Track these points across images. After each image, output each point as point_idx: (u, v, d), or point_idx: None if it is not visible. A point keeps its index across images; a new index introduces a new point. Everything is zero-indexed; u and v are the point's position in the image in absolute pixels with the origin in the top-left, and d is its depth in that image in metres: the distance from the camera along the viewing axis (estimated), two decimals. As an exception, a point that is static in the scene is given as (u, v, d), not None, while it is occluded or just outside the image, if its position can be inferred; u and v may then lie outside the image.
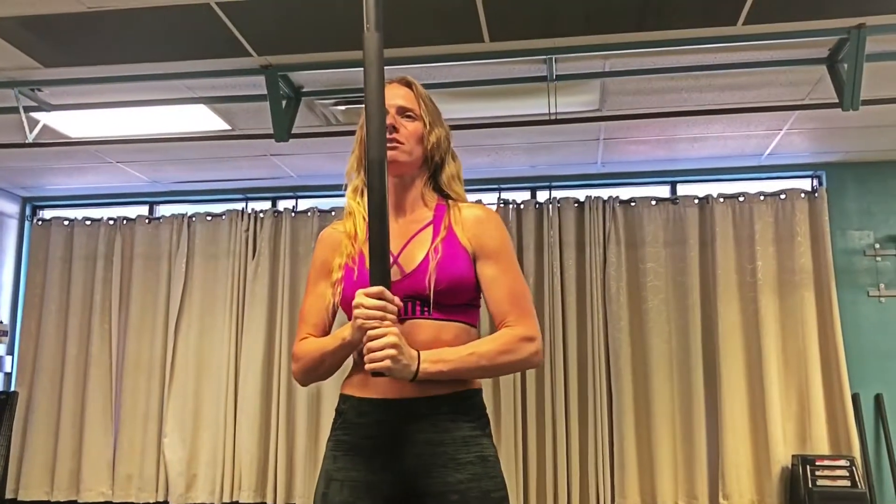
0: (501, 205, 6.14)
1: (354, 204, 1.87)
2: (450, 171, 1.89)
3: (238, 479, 6.05)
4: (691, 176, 6.09)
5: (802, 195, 5.85)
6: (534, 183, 6.25)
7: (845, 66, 3.89)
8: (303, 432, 6.02)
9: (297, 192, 6.50)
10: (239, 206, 6.53)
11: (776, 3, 3.51)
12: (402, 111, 1.82)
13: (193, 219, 6.52)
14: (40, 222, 6.77)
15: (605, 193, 6.05)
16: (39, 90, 4.40)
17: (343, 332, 1.70)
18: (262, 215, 6.45)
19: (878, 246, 5.78)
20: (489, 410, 1.85)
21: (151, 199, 6.73)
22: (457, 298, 1.73)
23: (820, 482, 5.28)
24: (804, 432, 5.55)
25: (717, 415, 5.63)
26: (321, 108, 4.72)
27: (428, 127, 1.85)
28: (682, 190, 6.14)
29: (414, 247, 1.75)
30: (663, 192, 6.17)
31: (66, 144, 5.06)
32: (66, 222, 6.69)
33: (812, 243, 5.78)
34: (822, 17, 3.66)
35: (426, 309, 1.70)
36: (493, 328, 1.74)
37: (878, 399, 5.57)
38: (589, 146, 5.52)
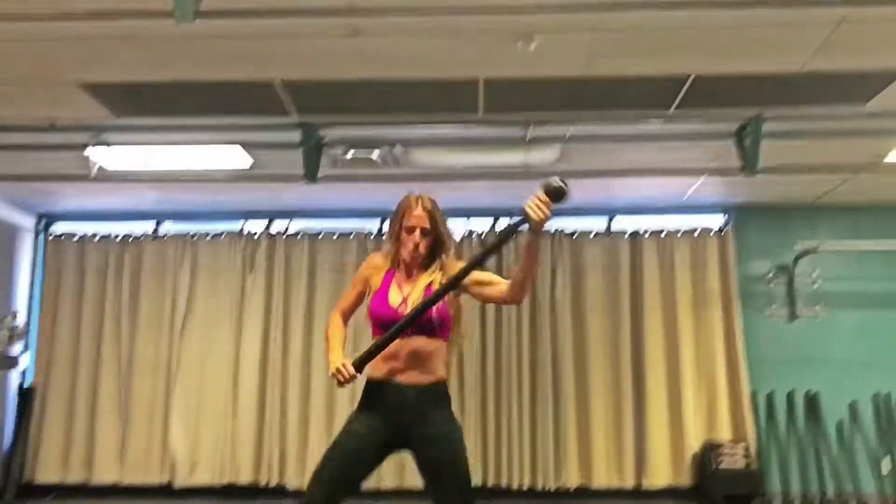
0: (467, 234, 7.30)
1: (381, 262, 2.83)
2: (447, 252, 2.84)
3: (236, 463, 6.96)
4: (625, 213, 7.35)
5: (713, 231, 7.21)
6: (495, 213, 7.39)
7: (748, 141, 5.17)
8: (294, 422, 6.99)
9: (291, 215, 7.46)
10: (237, 225, 7.46)
11: (699, 95, 4.75)
12: (423, 231, 2.77)
13: (195, 238, 7.43)
14: (52, 237, 7.54)
15: (554, 225, 7.27)
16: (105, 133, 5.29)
17: (334, 355, 2.75)
18: (257, 236, 7.41)
19: (772, 274, 7.16)
20: (456, 402, 2.84)
21: (156, 217, 7.56)
22: (438, 326, 2.71)
23: (722, 464, 6.57)
24: (712, 423, 6.87)
25: (643, 409, 6.90)
26: (332, 153, 5.73)
27: (442, 237, 2.79)
28: (618, 223, 7.39)
29: (417, 295, 2.74)
30: (602, 224, 7.40)
31: (121, 180, 5.93)
32: (77, 237, 7.49)
33: (721, 270, 7.13)
34: (731, 106, 4.93)
35: (420, 333, 2.68)
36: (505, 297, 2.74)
37: (769, 396, 6.93)
38: (545, 187, 6.69)
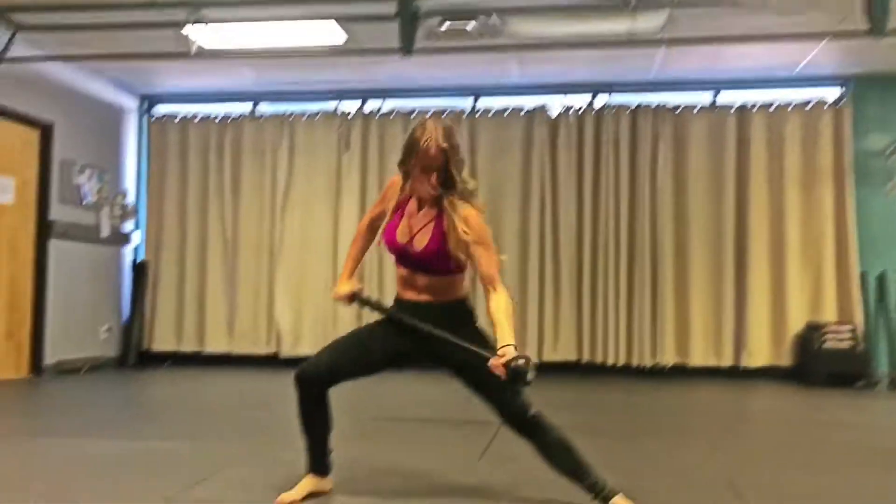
0: (564, 109, 7.11)
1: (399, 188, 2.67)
2: (456, 189, 2.61)
3: (338, 335, 7.21)
4: (732, 86, 6.99)
5: (828, 104, 6.79)
6: (593, 89, 7.16)
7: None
8: (391, 295, 7.14)
9: (384, 94, 7.42)
10: (332, 105, 7.47)
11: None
12: (438, 170, 2.53)
13: (291, 118, 7.50)
14: (157, 117, 7.75)
15: (656, 99, 6.99)
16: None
17: (341, 280, 2.80)
18: (352, 115, 7.43)
19: (891, 149, 6.73)
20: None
21: (254, 97, 7.64)
22: (440, 264, 2.60)
23: (827, 344, 6.43)
24: (816, 303, 6.69)
25: (744, 287, 6.76)
26: (428, 24, 5.60)
27: (453, 176, 2.55)
28: (724, 98, 7.05)
29: (422, 234, 2.61)
30: (707, 99, 7.08)
31: (218, 57, 5.97)
32: (179, 118, 7.68)
33: (834, 145, 6.76)
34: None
35: (425, 270, 2.61)
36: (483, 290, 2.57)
37: (881, 277, 6.66)
38: (647, 59, 6.42)
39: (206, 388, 6.10)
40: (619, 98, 7.11)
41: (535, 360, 2.33)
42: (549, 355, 6.96)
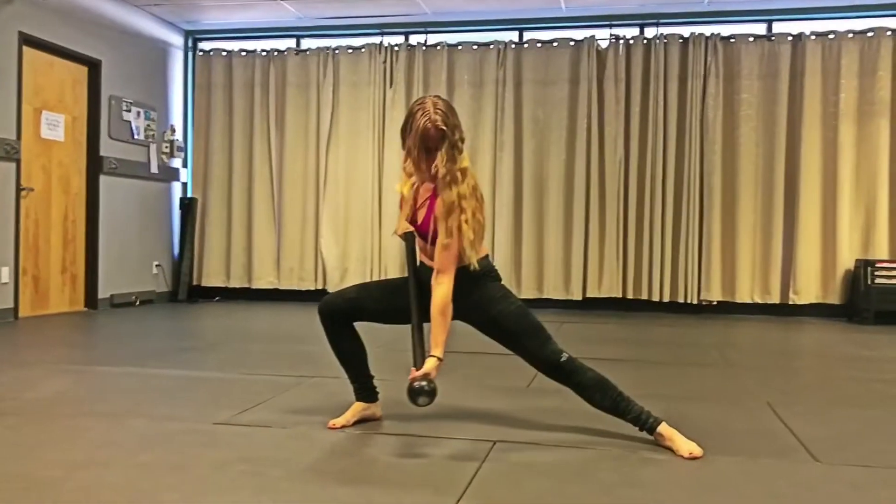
0: (612, 40, 6.94)
1: (406, 191, 2.65)
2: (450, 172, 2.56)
3: (384, 272, 7.31)
4: (787, 16, 6.75)
5: (888, 33, 6.52)
6: (643, 21, 6.97)
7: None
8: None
9: (428, 27, 7.32)
10: (376, 39, 7.41)
11: None
12: (439, 149, 2.47)
13: (336, 52, 7.46)
14: (201, 53, 7.77)
15: (707, 30, 6.79)
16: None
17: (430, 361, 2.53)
18: (397, 48, 7.35)
19: (953, 79, 6.47)
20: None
21: (297, 33, 7.61)
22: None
23: (878, 280, 6.31)
24: (868, 240, 6.55)
25: (794, 224, 6.64)
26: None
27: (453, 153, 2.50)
28: (778, 28, 6.82)
29: (423, 209, 2.63)
30: (761, 29, 6.85)
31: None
32: (224, 53, 7.69)
33: (893, 78, 6.50)
34: None
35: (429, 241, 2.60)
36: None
37: (936, 213, 6.49)
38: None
39: (255, 322, 6.24)
40: (668, 30, 6.91)
41: (432, 387, 2.34)
42: (593, 292, 6.96)
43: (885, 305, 6.25)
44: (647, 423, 2.49)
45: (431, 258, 2.59)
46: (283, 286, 7.55)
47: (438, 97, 2.59)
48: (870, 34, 6.55)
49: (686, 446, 2.40)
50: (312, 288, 7.46)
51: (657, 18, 6.90)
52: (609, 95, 6.96)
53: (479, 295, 2.60)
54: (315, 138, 7.48)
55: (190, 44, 7.83)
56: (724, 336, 5.72)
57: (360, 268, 7.36)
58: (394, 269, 7.25)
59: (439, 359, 2.42)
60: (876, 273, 6.33)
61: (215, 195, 7.69)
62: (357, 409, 2.76)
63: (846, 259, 6.57)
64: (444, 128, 2.45)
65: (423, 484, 2.12)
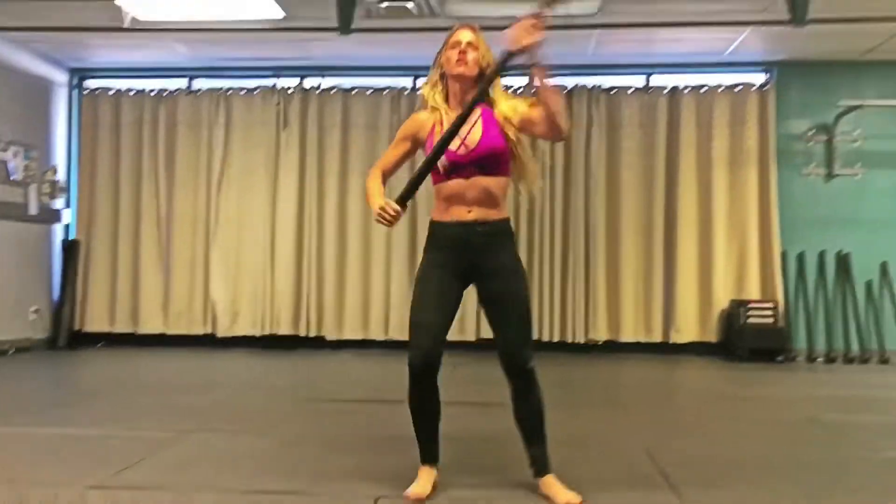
0: (503, 89, 7.16)
1: (439, 102, 2.67)
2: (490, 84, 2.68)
3: (276, 315, 7.22)
4: (664, 69, 7.15)
5: (754, 88, 7.01)
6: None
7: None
8: (331, 275, 7.20)
9: (322, 71, 7.37)
10: (270, 82, 7.40)
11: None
12: (469, 45, 2.63)
13: (229, 92, 7.41)
14: (88, 91, 7.56)
15: (590, 82, 7.11)
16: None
17: (375, 199, 2.65)
18: (291, 91, 7.37)
19: (812, 132, 7.00)
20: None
21: (189, 73, 7.51)
22: (497, 160, 2.66)
23: (751, 320, 6.69)
24: (741, 281, 6.95)
25: (673, 266, 6.98)
26: (366, 2, 5.59)
27: (483, 55, 2.65)
28: (656, 81, 7.21)
29: (472, 133, 2.61)
30: (640, 82, 7.23)
31: (151, 31, 5.85)
32: (111, 92, 7.51)
33: (759, 128, 6.99)
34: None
35: (482, 171, 2.61)
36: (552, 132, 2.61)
37: (800, 256, 6.95)
38: (583, 41, 6.51)
39: (141, 369, 6.05)
40: (555, 80, 7.18)
41: None
42: (487, 332, 7.06)
43: (758, 343, 6.63)
44: (541, 468, 2.58)
45: (475, 202, 2.58)
46: (171, 331, 7.33)
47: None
48: (738, 89, 7.02)
49: (564, 497, 2.49)
50: (201, 332, 7.28)
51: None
52: (499, 141, 7.16)
53: (505, 258, 2.63)
54: (206, 179, 7.37)
55: (75, 82, 7.60)
56: (610, 375, 5.93)
57: (251, 312, 7.25)
58: (286, 313, 7.18)
59: None
60: (749, 312, 6.71)
61: (100, 237, 7.44)
62: (430, 473, 2.64)
63: (721, 299, 6.94)
64: (475, 31, 2.61)
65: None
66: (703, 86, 7.07)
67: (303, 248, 7.28)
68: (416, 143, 2.75)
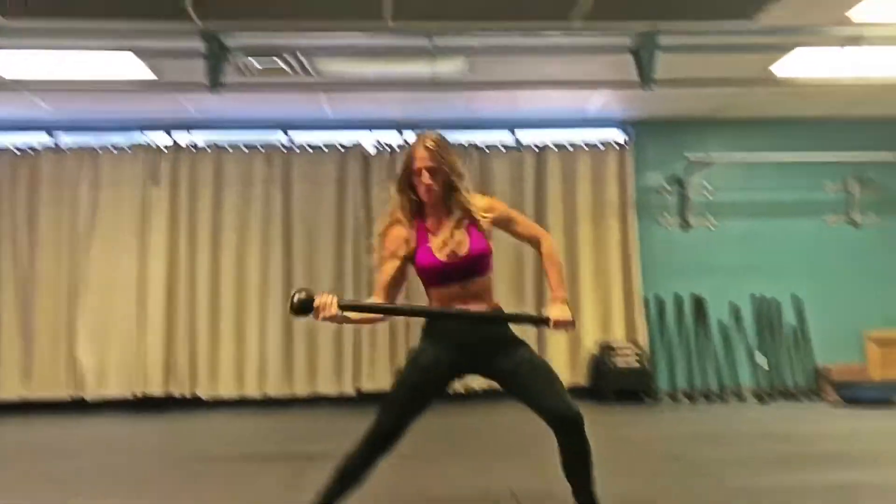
0: (378, 148, 7.36)
1: (403, 216, 2.71)
2: (462, 186, 2.75)
3: (147, 375, 6.99)
4: (530, 126, 7.53)
5: (614, 144, 7.49)
6: (401, 126, 7.45)
7: (644, 54, 5.37)
8: (204, 334, 7.06)
9: (192, 127, 7.32)
10: (139, 138, 7.28)
11: (600, 6, 4.89)
12: (430, 170, 2.63)
13: (98, 150, 7.23)
14: (-62, 147, 7.20)
15: (463, 138, 7.39)
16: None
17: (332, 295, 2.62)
18: (163, 148, 7.27)
19: (666, 185, 7.53)
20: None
21: (54, 128, 7.27)
22: (486, 263, 2.77)
23: (617, 363, 7.01)
24: (607, 325, 7.30)
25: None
26: (240, 61, 5.64)
27: (449, 175, 2.67)
28: (523, 136, 7.57)
29: (458, 242, 2.68)
30: (508, 138, 7.57)
31: (11, 89, 5.71)
32: (-35, 148, 7.19)
33: (619, 183, 7.45)
34: (628, 19, 5.11)
35: (473, 274, 2.70)
36: (532, 248, 2.87)
37: (660, 301, 7.39)
38: (453, 99, 6.78)
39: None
40: (427, 136, 7.42)
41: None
42: (366, 385, 7.10)
43: (624, 385, 6.94)
44: None
45: (473, 298, 2.63)
46: (35, 395, 6.96)
47: (435, 133, 2.70)
48: (599, 146, 7.48)
49: None
50: (67, 398, 6.95)
51: (416, 126, 7.40)
52: (375, 196, 7.30)
53: (507, 336, 2.71)
54: (71, 239, 7.11)
55: (-76, 136, 7.22)
56: (485, 424, 6.06)
57: (120, 373, 6.99)
58: (157, 372, 6.96)
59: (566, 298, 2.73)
60: (614, 355, 7.03)
61: (-45, 301, 7.02)
62: None
63: (590, 343, 7.26)
64: (433, 145, 2.59)
65: None
66: (566, 144, 7.49)
67: (174, 306, 7.11)
68: (404, 257, 2.72)
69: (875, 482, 3.51)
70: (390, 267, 2.68)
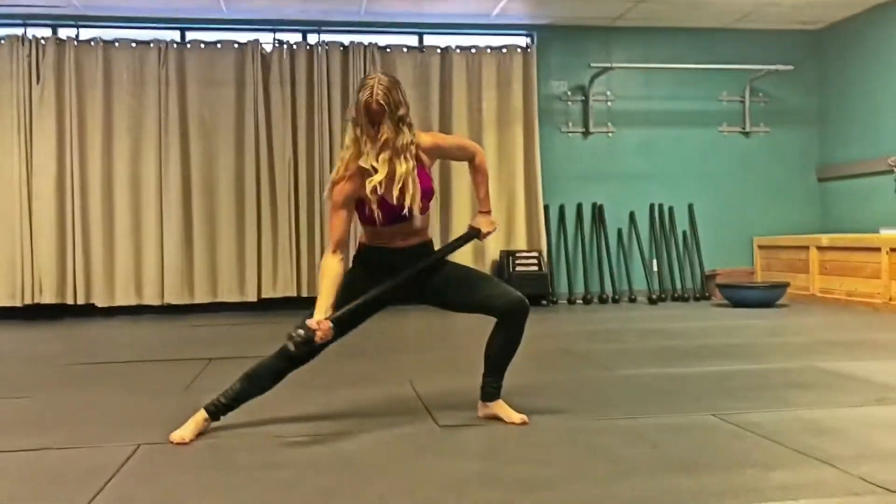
0: (277, 45, 7.10)
1: (367, 160, 2.64)
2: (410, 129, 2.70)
3: (38, 283, 6.73)
4: (436, 30, 7.41)
5: (519, 50, 7.46)
6: (304, 27, 7.21)
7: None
8: (98, 239, 6.81)
9: (79, 21, 6.88)
10: (19, 31, 6.80)
11: None
12: (384, 122, 2.58)
13: (-30, 42, 6.72)
14: None
15: (366, 40, 7.21)
16: None
17: (318, 307, 2.60)
18: (43, 42, 6.82)
19: (569, 93, 7.59)
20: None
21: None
22: (428, 202, 2.80)
23: (518, 268, 7.18)
24: (510, 233, 7.43)
25: (448, 219, 7.29)
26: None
27: (400, 122, 2.62)
28: (428, 40, 7.45)
29: (412, 186, 2.68)
30: (413, 41, 7.44)
31: None
32: None
33: (524, 89, 7.45)
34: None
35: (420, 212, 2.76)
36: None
37: (561, 208, 7.55)
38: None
39: None
40: (329, 37, 7.22)
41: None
42: (268, 292, 7.06)
43: (524, 290, 7.00)
44: (497, 394, 2.84)
45: (414, 234, 2.75)
46: (-86, 305, 6.63)
47: (385, 74, 2.71)
48: (504, 50, 7.43)
49: (517, 417, 2.79)
50: (-50, 305, 6.65)
51: (318, 26, 7.18)
52: (276, 98, 7.10)
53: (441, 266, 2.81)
54: (-54, 139, 6.67)
55: None
56: (390, 326, 6.14)
57: (8, 274, 6.70)
58: (50, 280, 6.71)
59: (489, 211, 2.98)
60: (516, 262, 7.20)
61: None
62: (203, 425, 2.66)
63: (493, 250, 7.38)
64: (384, 101, 2.57)
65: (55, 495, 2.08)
66: (472, 47, 7.41)
67: (65, 212, 6.82)
68: (356, 202, 2.72)
69: (746, 370, 3.77)
70: (341, 218, 2.72)
